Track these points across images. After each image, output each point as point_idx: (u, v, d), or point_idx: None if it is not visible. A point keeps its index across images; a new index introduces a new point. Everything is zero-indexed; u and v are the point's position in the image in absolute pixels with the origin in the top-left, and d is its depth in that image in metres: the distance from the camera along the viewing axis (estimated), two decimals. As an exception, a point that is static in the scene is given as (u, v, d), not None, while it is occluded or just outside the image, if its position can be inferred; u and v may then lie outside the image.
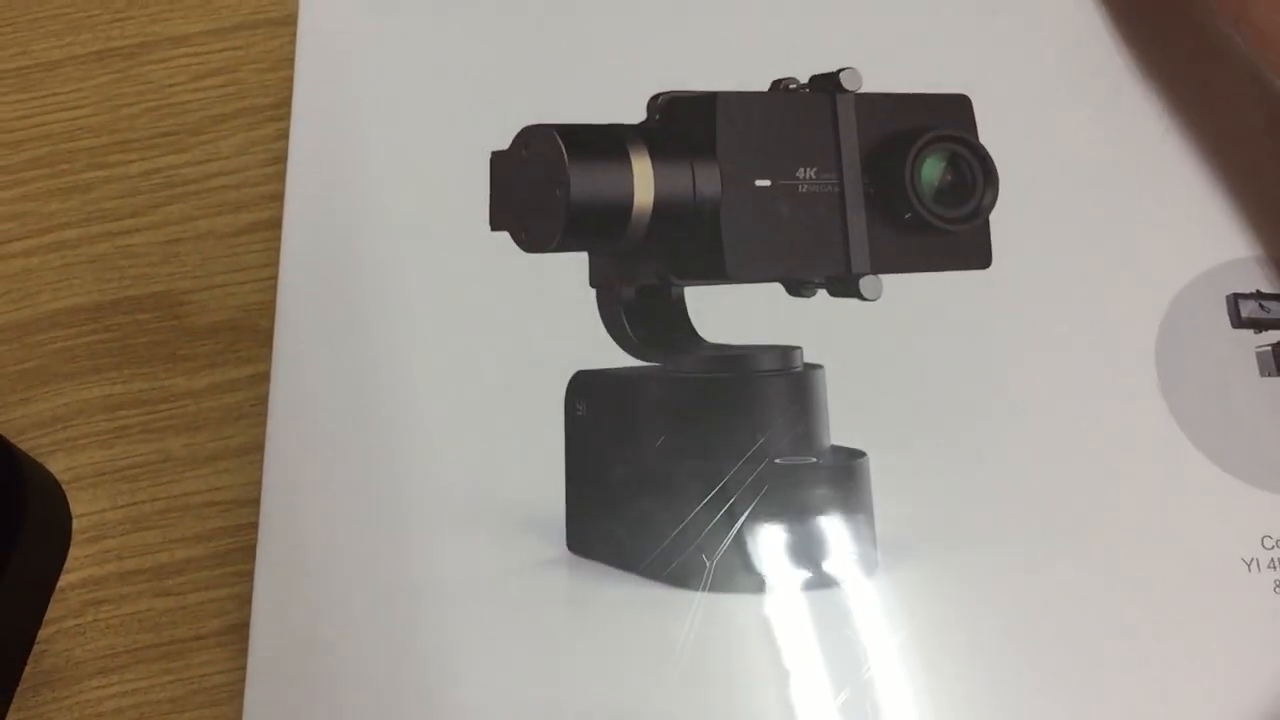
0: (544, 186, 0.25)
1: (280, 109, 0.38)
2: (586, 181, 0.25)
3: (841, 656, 0.23)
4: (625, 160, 0.26)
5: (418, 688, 0.23)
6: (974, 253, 0.26)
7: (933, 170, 0.26)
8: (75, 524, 0.33)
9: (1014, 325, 0.26)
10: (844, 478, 0.25)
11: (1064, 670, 0.23)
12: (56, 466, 0.34)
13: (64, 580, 0.33)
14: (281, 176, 0.34)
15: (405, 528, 0.24)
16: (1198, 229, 0.26)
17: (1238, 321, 0.26)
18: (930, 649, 0.23)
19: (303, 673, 0.23)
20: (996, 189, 0.26)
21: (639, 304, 0.26)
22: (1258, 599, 0.24)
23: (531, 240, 0.26)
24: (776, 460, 0.25)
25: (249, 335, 0.35)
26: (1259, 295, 0.26)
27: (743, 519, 0.24)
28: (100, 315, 0.36)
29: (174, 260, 0.36)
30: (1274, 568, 0.24)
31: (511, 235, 0.27)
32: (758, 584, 0.24)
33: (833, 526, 0.24)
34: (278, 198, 0.37)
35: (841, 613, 0.24)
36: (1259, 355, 0.26)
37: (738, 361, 0.25)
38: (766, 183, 0.26)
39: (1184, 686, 0.23)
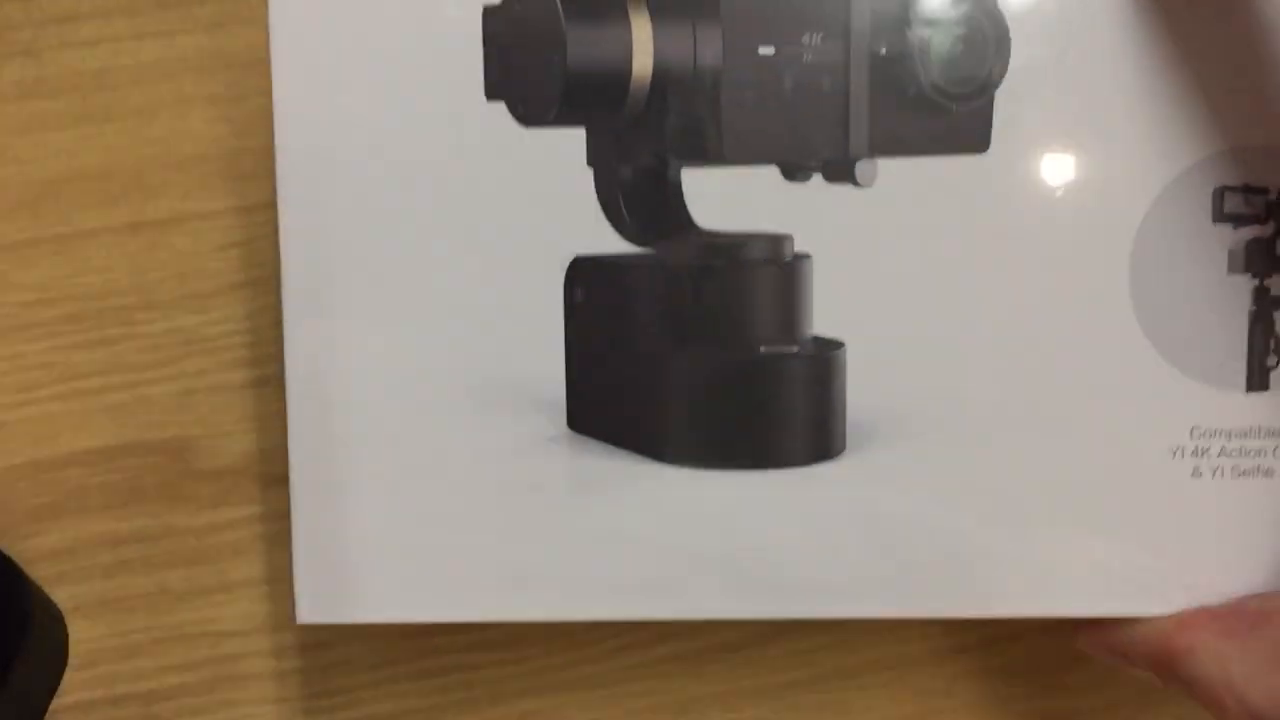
0: (540, 50, 0.25)
1: (293, 277, 0.42)
2: (584, 43, 0.25)
3: (800, 531, 0.26)
4: (625, 20, 0.25)
5: (430, 545, 0.26)
6: (974, 136, 0.26)
7: (944, 39, 0.26)
8: (72, 649, 0.35)
9: (998, 218, 0.27)
10: (823, 367, 0.26)
11: (995, 523, 0.26)
12: (60, 594, 0.36)
13: (57, 702, 0.35)
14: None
15: (424, 409, 0.26)
16: (1185, 123, 0.27)
17: (1219, 216, 0.27)
18: (885, 526, 0.26)
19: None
20: (1006, 61, 0.26)
21: (636, 186, 0.26)
22: (1176, 483, 0.27)
23: (529, 113, 0.26)
24: (761, 349, 0.26)
25: (250, 479, 0.38)
26: (1245, 189, 0.27)
27: (725, 402, 0.26)
28: (113, 457, 0.38)
29: (187, 409, 0.39)
30: (1197, 455, 0.27)
31: (508, 107, 0.26)
32: (732, 461, 0.26)
33: (808, 410, 0.26)
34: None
35: (806, 489, 0.26)
36: (1230, 252, 0.27)
37: (729, 250, 0.26)
38: (770, 50, 0.25)
39: (1089, 559, 0.27)
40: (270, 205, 0.43)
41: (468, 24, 0.26)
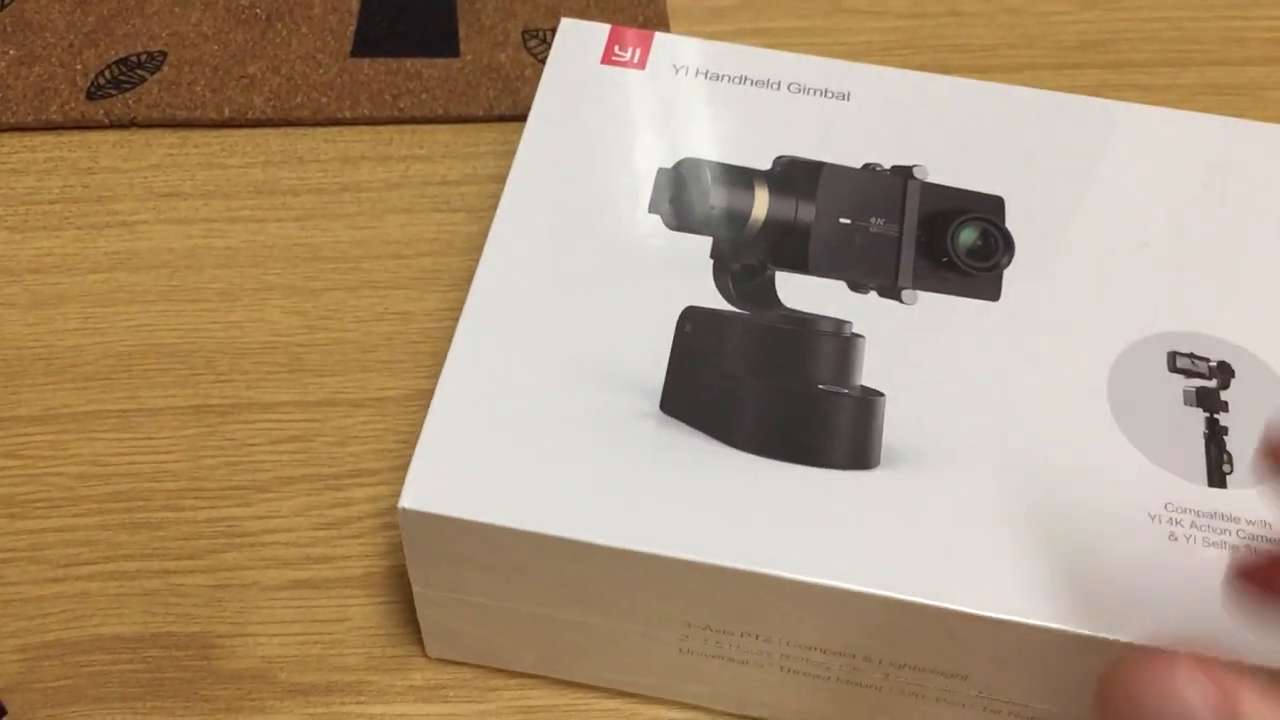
0: (691, 194, 0.38)
1: (340, 480, 0.42)
2: (722, 199, 0.38)
3: (829, 517, 0.33)
4: (751, 190, 0.38)
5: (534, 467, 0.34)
6: (988, 290, 0.37)
7: (969, 236, 0.38)
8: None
9: (1006, 342, 0.36)
10: (864, 406, 0.35)
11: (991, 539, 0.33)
12: (63, 786, 0.36)
13: None
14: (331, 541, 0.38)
15: (563, 381, 0.35)
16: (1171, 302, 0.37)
17: (1173, 369, 0.36)
18: (908, 536, 0.33)
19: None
20: (1013, 255, 0.38)
21: (741, 274, 0.37)
22: (1155, 542, 0.33)
23: (675, 224, 0.38)
24: (819, 385, 0.35)
25: (267, 686, 0.38)
26: (1191, 355, 0.36)
27: (789, 416, 0.35)
28: (139, 646, 0.39)
29: (216, 604, 0.40)
30: (1171, 523, 0.33)
31: (662, 218, 0.38)
32: (788, 455, 0.34)
33: (850, 433, 0.35)
34: (321, 560, 0.41)
35: (847, 491, 0.33)
36: (1184, 393, 0.35)
37: (802, 322, 0.36)
38: (848, 221, 0.38)
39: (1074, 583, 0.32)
40: (328, 404, 0.44)
41: (645, 176, 0.40)
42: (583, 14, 0.55)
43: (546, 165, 0.39)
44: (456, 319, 0.36)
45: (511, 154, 0.40)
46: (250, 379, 0.45)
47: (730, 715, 0.38)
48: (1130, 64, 0.55)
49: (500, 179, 0.49)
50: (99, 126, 0.51)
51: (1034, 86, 0.41)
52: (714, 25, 0.56)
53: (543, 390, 0.35)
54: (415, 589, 0.36)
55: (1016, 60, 0.55)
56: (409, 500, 0.33)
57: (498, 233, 0.38)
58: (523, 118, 0.51)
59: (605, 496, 0.33)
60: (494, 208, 0.39)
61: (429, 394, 0.35)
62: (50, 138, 0.50)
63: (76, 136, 0.51)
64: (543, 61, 0.53)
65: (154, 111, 0.50)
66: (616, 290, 0.37)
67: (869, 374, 0.36)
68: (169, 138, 0.51)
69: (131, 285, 0.47)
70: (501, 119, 0.52)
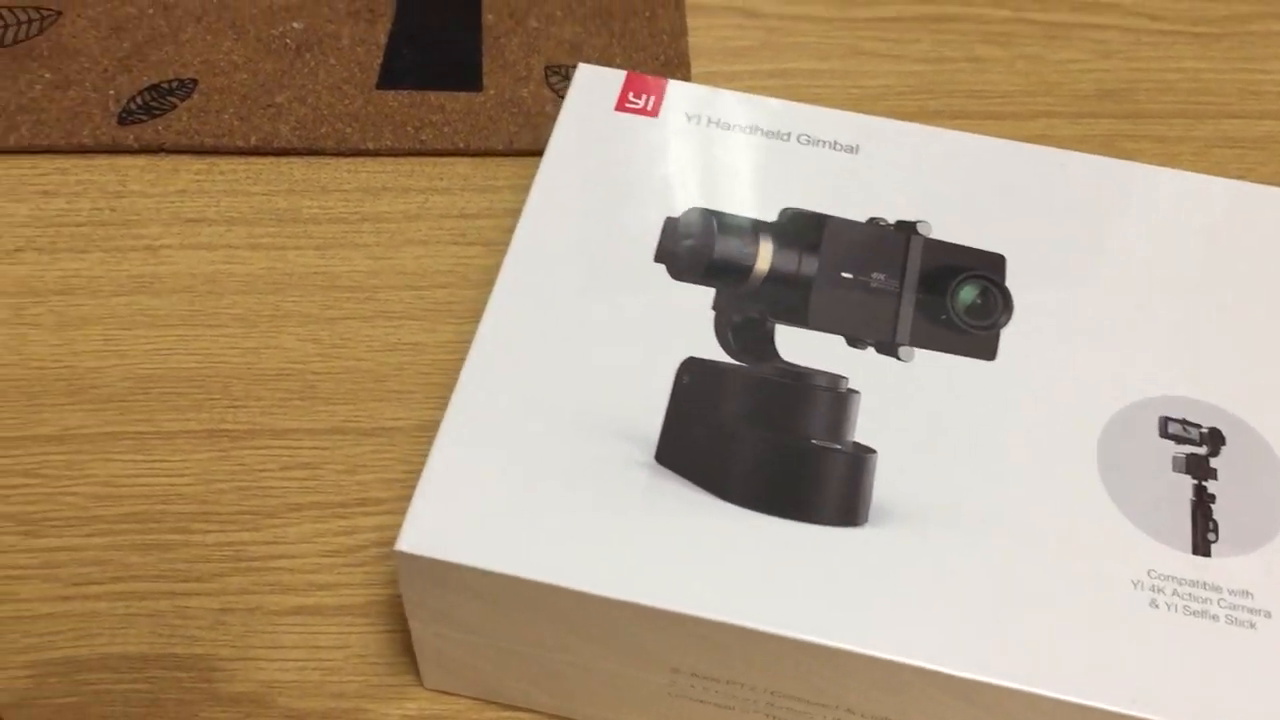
0: (697, 244, 0.39)
1: (347, 508, 0.43)
2: (726, 249, 0.39)
3: (817, 571, 0.34)
4: (755, 241, 0.39)
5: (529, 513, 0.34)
6: (985, 349, 0.38)
7: (968, 294, 0.38)
8: None
9: (999, 402, 0.37)
10: (856, 463, 0.35)
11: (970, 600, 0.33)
12: (65, 802, 0.37)
13: None
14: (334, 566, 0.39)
15: (561, 426, 0.36)
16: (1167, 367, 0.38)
17: (1164, 434, 0.36)
18: (891, 594, 0.33)
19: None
20: (1011, 314, 0.38)
21: (742, 326, 0.38)
22: (1136, 609, 0.33)
23: (681, 275, 0.39)
24: (813, 440, 0.36)
25: (265, 711, 0.39)
26: (1184, 421, 0.36)
27: (782, 471, 0.35)
28: (144, 666, 0.40)
29: (220, 627, 0.41)
30: (1154, 590, 0.33)
31: (667, 267, 0.39)
32: (778, 510, 0.34)
33: (840, 490, 0.35)
34: (325, 587, 0.42)
35: (834, 548, 0.34)
36: (1174, 458, 0.36)
37: (799, 376, 0.37)
38: (849, 276, 0.38)
39: (1066, 654, 0.32)
40: (338, 432, 0.45)
41: (653, 223, 0.40)
42: (605, 52, 0.55)
43: (558, 209, 0.40)
44: (468, 352, 0.37)
45: (528, 190, 0.41)
46: (264, 405, 0.46)
47: (717, 757, 0.39)
48: (1146, 114, 0.55)
49: (517, 213, 0.50)
50: (129, 151, 0.52)
51: (1050, 134, 0.42)
52: (734, 65, 0.56)
53: (542, 437, 0.36)
54: (411, 623, 0.37)
55: (1033, 108, 0.55)
56: (406, 544, 0.33)
57: (506, 276, 0.39)
58: (542, 153, 0.52)
59: (598, 546, 0.34)
60: (509, 243, 0.40)
61: (438, 425, 0.36)
62: (81, 161, 0.52)
63: (106, 160, 0.52)
64: (564, 98, 0.54)
65: (183, 138, 0.52)
66: (619, 337, 0.38)
67: (862, 429, 0.36)
68: (196, 164, 0.52)
69: (153, 309, 0.48)
70: (521, 154, 0.53)
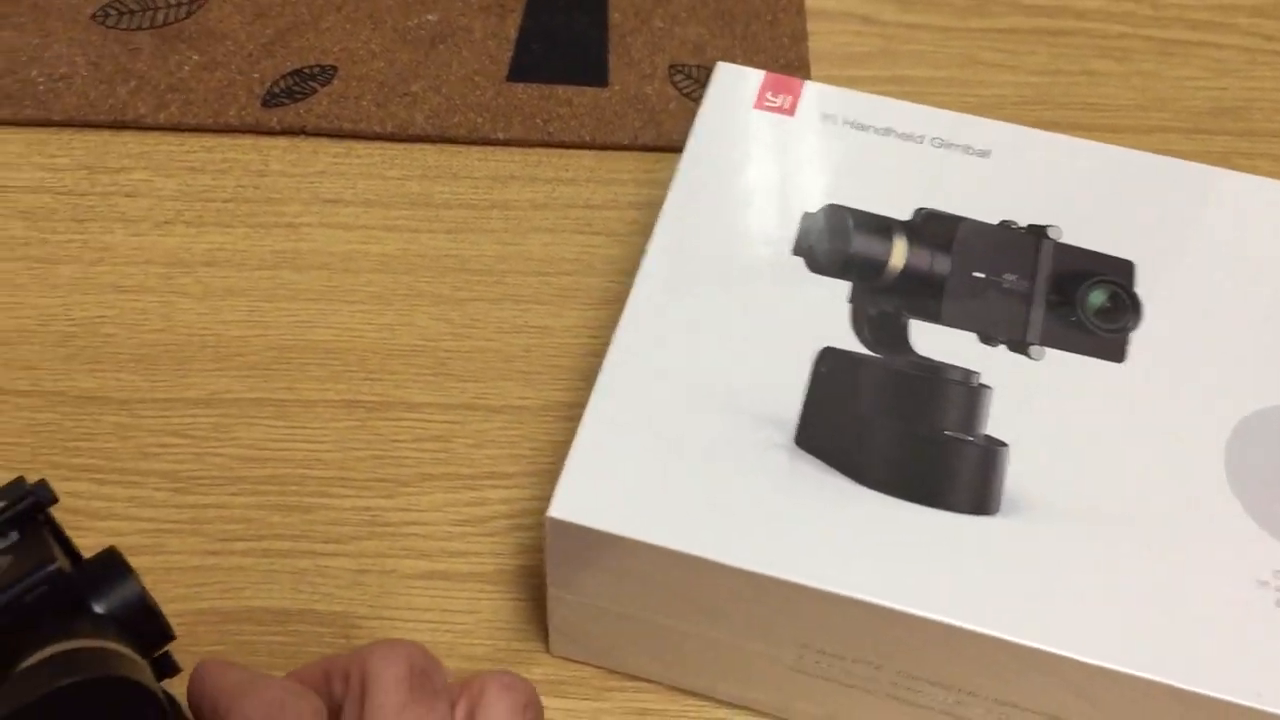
0: (834, 239, 0.41)
1: (477, 480, 0.45)
2: (861, 245, 0.40)
3: (948, 557, 0.35)
4: (890, 239, 0.40)
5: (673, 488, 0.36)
6: (1114, 351, 0.39)
7: (1098, 297, 0.39)
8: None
9: (1128, 402, 0.38)
10: (988, 454, 0.37)
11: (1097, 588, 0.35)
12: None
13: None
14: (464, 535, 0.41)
15: (710, 409, 0.38)
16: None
17: None
18: (1021, 581, 0.34)
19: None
20: (1140, 319, 0.39)
21: (877, 319, 0.39)
22: (1260, 607, 0.35)
23: (820, 268, 0.40)
24: (946, 431, 0.37)
25: (401, 667, 0.41)
26: None
27: (917, 460, 0.37)
28: (287, 620, 0.42)
29: (358, 587, 0.43)
30: (1278, 590, 0.34)
31: (805, 260, 0.40)
32: (913, 497, 0.36)
33: (973, 480, 0.36)
34: (456, 554, 0.43)
35: (967, 535, 0.35)
36: None
37: (934, 369, 0.38)
38: (981, 275, 0.40)
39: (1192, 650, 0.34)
40: (468, 408, 0.47)
41: (791, 218, 0.42)
42: (727, 53, 0.57)
43: (699, 200, 0.42)
44: (594, 337, 0.39)
45: (653, 183, 0.43)
46: (398, 379, 0.48)
47: (833, 735, 0.40)
48: (1262, 133, 0.56)
49: (641, 206, 0.52)
50: (271, 133, 0.54)
51: (1165, 149, 0.43)
52: (852, 70, 0.58)
53: (686, 416, 0.37)
54: (550, 590, 0.38)
55: (1148, 123, 0.56)
56: (557, 510, 0.35)
57: (649, 262, 0.40)
58: (665, 148, 0.54)
59: (738, 521, 0.35)
60: (634, 233, 0.41)
61: (564, 406, 0.37)
62: (227, 140, 0.54)
63: (250, 140, 0.54)
64: (687, 96, 0.55)
65: (323, 121, 0.54)
66: (758, 325, 0.39)
67: (994, 423, 0.37)
68: (335, 147, 0.54)
69: (294, 283, 0.50)
70: (644, 149, 0.54)
